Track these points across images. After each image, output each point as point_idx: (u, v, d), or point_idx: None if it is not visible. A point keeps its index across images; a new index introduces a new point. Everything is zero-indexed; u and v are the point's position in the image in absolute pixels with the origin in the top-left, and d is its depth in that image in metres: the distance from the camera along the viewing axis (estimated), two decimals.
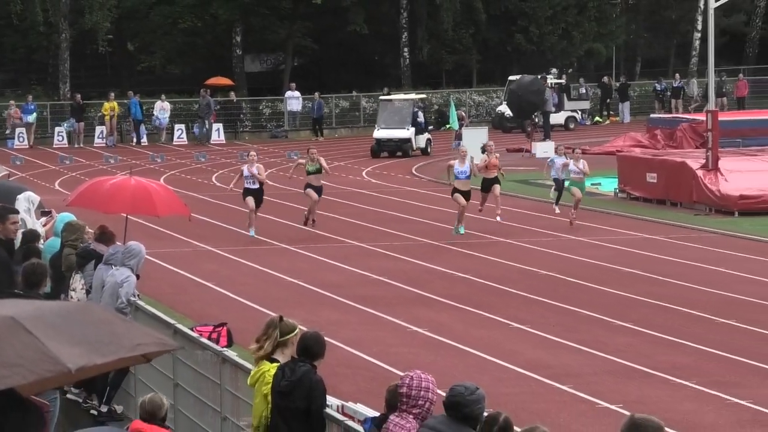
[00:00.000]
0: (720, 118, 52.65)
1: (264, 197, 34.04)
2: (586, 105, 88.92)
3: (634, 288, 34.46)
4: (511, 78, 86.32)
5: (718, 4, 53.58)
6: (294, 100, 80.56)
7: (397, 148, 68.42)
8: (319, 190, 35.82)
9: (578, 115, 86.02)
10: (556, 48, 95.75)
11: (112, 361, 10.15)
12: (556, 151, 39.88)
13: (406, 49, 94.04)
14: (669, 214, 46.58)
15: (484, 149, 41.00)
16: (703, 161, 50.32)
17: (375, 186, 58.37)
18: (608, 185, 54.18)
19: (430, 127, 77.41)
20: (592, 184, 56.44)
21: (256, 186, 33.49)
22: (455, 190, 34.73)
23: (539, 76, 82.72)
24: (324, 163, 36.49)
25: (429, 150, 67.32)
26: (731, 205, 47.91)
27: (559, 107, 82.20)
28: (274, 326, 14.72)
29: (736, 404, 22.66)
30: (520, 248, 43.44)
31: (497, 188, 37.83)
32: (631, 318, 29.92)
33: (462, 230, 34.58)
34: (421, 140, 68.42)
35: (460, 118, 72.38)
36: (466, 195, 33.58)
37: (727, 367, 26.09)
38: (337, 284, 35.46)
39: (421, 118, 71.37)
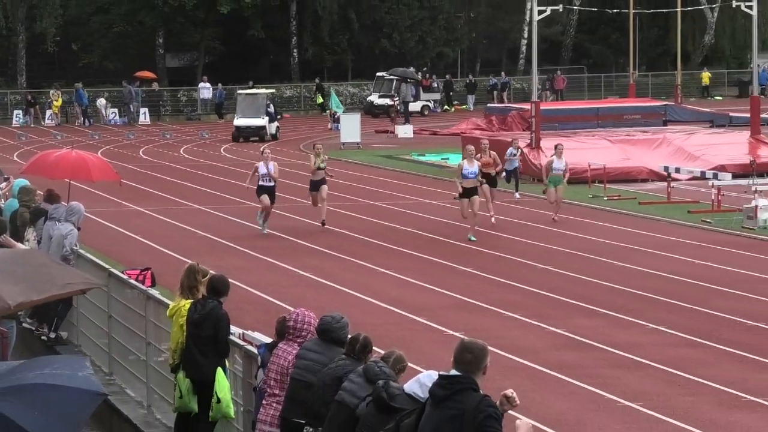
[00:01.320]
0: (541, 107, 52.95)
1: (276, 194, 31.08)
2: (437, 96, 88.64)
3: (509, 246, 33.79)
4: (378, 74, 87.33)
5: (541, 17, 53.58)
6: (205, 90, 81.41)
7: (254, 134, 67.35)
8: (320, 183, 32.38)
9: (431, 104, 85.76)
10: (414, 51, 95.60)
11: (46, 297, 10.74)
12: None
13: (295, 51, 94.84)
14: (501, 183, 43.32)
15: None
16: (528, 141, 49.00)
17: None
18: (454, 159, 50.32)
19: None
20: (441, 158, 57.07)
21: (271, 184, 30.61)
22: (461, 195, 30.19)
23: (411, 70, 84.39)
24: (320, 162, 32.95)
25: (278, 135, 66.80)
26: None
27: (416, 98, 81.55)
28: (191, 271, 14.95)
29: (553, 332, 23.01)
30: (383, 209, 43.15)
31: (487, 188, 33.66)
32: (472, 265, 30.05)
33: (472, 237, 30.33)
34: (272, 127, 67.82)
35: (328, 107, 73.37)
36: (473, 191, 29.71)
37: (547, 303, 26.21)
38: (240, 237, 35.69)
39: (271, 108, 70.49)
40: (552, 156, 33.78)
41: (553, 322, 23.66)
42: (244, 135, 67.50)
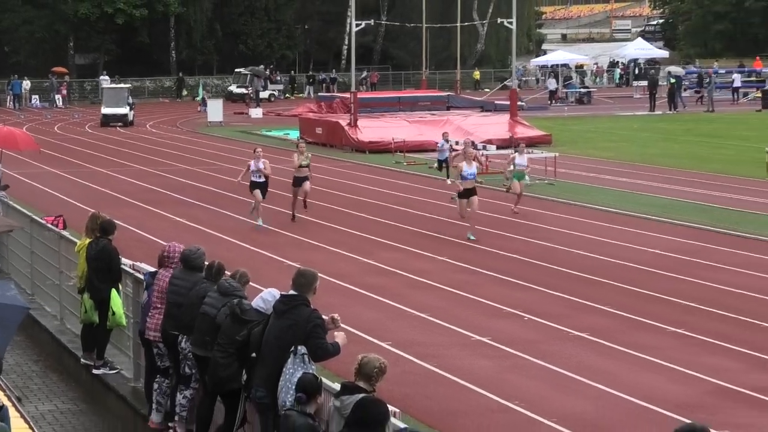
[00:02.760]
0: (358, 96, 52.94)
1: (268, 189, 27.37)
2: (281, 87, 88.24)
3: (336, 200, 32.45)
4: (236, 70, 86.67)
5: (358, 29, 53.46)
6: (105, 81, 78.48)
7: (118, 120, 63.08)
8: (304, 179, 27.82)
9: (276, 93, 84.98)
10: (264, 53, 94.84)
11: None
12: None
13: (173, 52, 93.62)
14: (330, 152, 46.34)
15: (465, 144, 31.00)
16: (348, 121, 49.12)
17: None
18: (293, 135, 52.45)
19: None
20: (284, 133, 55.92)
21: (262, 180, 27.04)
22: (459, 195, 25.14)
23: (261, 67, 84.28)
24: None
25: (133, 122, 63.78)
26: (365, 147, 47.74)
27: (265, 88, 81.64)
28: (93, 217, 15.14)
29: (365, 262, 23.16)
30: (238, 171, 40.99)
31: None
32: (309, 214, 28.86)
33: (472, 236, 24.52)
34: (131, 115, 63.94)
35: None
36: (472, 192, 24.65)
37: (361, 240, 26.03)
38: (131, 192, 35.07)
39: (130, 99, 66.73)
40: (514, 153, 29.35)
41: (365, 255, 23.60)
42: (110, 121, 63.34)
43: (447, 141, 33.92)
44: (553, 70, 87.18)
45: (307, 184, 27.32)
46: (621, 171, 37.29)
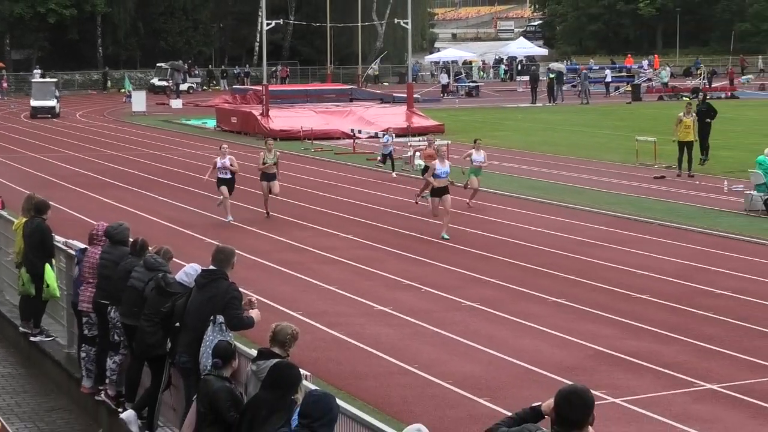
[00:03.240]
0: (269, 89, 52.63)
1: (235, 185, 25.32)
2: (198, 80, 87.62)
3: (251, 183, 28.87)
4: (158, 64, 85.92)
5: (268, 27, 52.93)
6: (38, 75, 75.18)
7: (47, 112, 61.10)
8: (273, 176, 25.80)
9: (194, 86, 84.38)
10: (183, 49, 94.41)
11: None
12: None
13: (100, 48, 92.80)
14: (244, 139, 45.65)
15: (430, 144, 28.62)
16: (261, 111, 49.06)
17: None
18: (210, 124, 53.72)
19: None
20: (201, 122, 55.72)
21: (229, 176, 24.67)
22: (432, 193, 22.64)
23: (180, 62, 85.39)
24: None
25: (60, 113, 61.31)
26: (276, 135, 43.15)
27: (184, 81, 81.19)
28: (28, 198, 15.20)
29: (278, 239, 22.99)
30: (161, 156, 40.82)
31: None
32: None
33: (446, 236, 21.97)
34: (57, 107, 61.63)
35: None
36: (444, 191, 22.16)
37: (275, 221, 25.90)
38: (65, 176, 34.37)
39: (57, 93, 64.70)
40: (471, 150, 26.64)
41: (277, 234, 23.63)
42: (39, 113, 61.22)
43: (391, 135, 32.72)
44: (445, 66, 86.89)
45: (275, 185, 24.97)
46: (507, 157, 37.36)
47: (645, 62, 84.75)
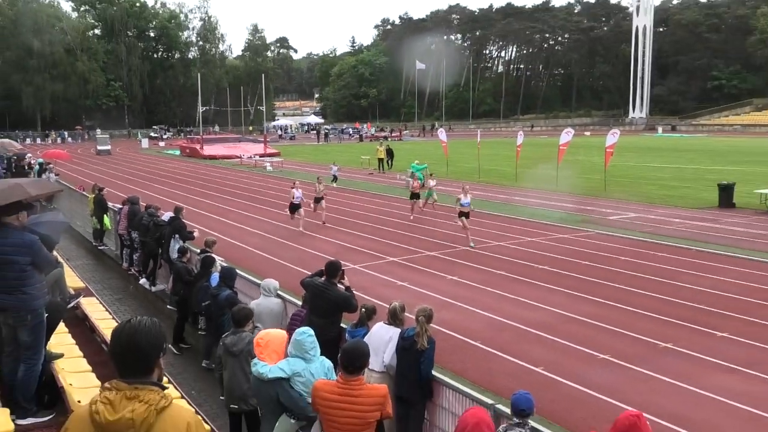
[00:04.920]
0: (204, 136, 64.23)
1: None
2: (171, 134, 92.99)
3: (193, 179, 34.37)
4: (153, 126, 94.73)
5: (202, 110, 59.45)
6: (99, 132, 78.10)
7: (106, 152, 60.84)
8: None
9: (169, 136, 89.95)
10: (164, 120, 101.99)
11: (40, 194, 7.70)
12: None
13: (127, 118, 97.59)
14: (191, 160, 53.56)
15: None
16: (200, 146, 58.45)
17: None
18: (176, 153, 60.56)
19: None
20: (174, 152, 61.19)
21: (298, 202, 22.55)
22: (461, 214, 20.53)
23: (162, 126, 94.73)
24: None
25: (110, 152, 62.46)
26: (206, 157, 54.78)
27: (165, 134, 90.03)
28: (94, 186, 18.72)
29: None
30: (158, 164, 46.44)
31: (420, 201, 26.01)
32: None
33: (473, 244, 20.16)
34: (110, 149, 62.20)
35: None
36: (466, 215, 20.36)
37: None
38: (117, 177, 38.36)
39: (109, 142, 64.79)
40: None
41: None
42: (101, 153, 60.40)
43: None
44: (281, 127, 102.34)
45: (323, 203, 23.73)
46: (307, 168, 44.61)
47: (366, 125, 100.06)
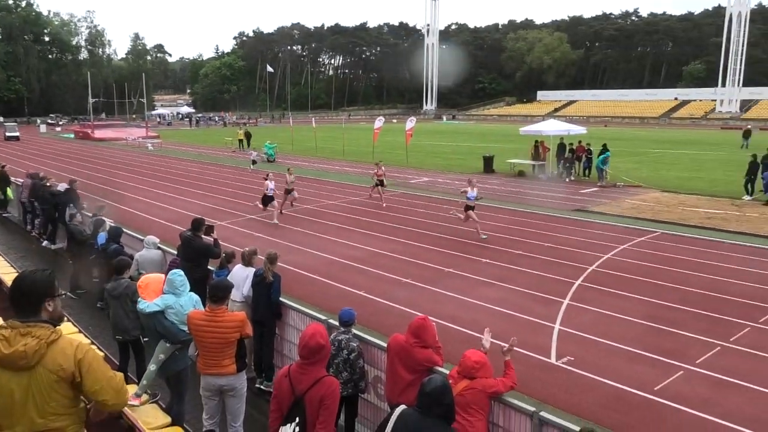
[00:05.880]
0: (94, 122, 59.53)
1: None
2: (66, 120, 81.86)
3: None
4: (50, 114, 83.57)
5: (92, 101, 59.76)
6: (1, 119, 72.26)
7: (15, 138, 50.91)
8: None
9: (65, 122, 79.30)
10: (61, 108, 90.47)
11: None
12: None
13: (26, 107, 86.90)
14: (85, 142, 49.49)
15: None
16: (91, 131, 53.14)
17: None
18: (71, 136, 54.63)
19: None
20: (70, 136, 55.03)
21: (271, 194, 17.27)
22: (467, 207, 15.51)
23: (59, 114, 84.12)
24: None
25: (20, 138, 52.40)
26: (97, 140, 49.39)
27: (60, 121, 78.98)
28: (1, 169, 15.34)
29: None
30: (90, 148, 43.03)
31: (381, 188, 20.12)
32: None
33: (484, 236, 15.28)
34: (19, 136, 52.10)
35: None
36: (472, 208, 15.43)
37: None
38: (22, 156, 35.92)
39: (17, 129, 53.98)
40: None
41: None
42: (9, 139, 50.34)
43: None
44: (160, 115, 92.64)
45: (294, 193, 18.49)
46: (182, 149, 45.99)
47: (229, 114, 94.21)
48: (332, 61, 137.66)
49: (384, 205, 19.34)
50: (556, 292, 11.02)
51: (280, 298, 6.94)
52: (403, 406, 3.37)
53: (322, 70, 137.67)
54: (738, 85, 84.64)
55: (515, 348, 5.12)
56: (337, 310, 6.22)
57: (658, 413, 6.82)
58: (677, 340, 8.88)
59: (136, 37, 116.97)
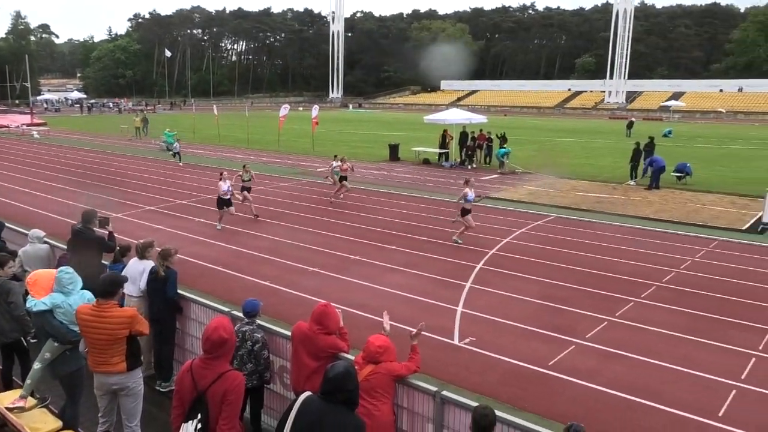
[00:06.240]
0: None
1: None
2: None
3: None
4: None
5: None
6: None
7: None
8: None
9: None
10: None
11: None
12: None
13: None
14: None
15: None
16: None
17: None
18: None
19: None
20: None
21: (228, 197, 14.74)
22: (465, 212, 13.77)
23: None
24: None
25: None
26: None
27: None
28: None
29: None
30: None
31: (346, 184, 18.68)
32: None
33: (459, 240, 13.84)
34: None
35: None
36: (469, 211, 13.94)
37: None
38: None
39: None
40: (337, 162, 19.01)
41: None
42: None
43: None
44: (47, 100, 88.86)
45: (248, 194, 16.08)
46: (76, 137, 39.62)
47: (124, 100, 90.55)
48: (235, 47, 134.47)
49: (332, 200, 18.56)
50: (460, 276, 11.31)
51: (182, 292, 6.75)
52: (306, 393, 3.36)
53: (225, 55, 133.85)
54: (624, 78, 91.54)
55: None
56: (240, 301, 6.15)
57: (551, 386, 7.18)
58: (569, 317, 9.36)
59: (18, 15, 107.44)
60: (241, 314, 5.78)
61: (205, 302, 6.63)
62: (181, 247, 10.17)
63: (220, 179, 14.96)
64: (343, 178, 18.87)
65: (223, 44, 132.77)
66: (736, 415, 6.63)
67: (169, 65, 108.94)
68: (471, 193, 13.91)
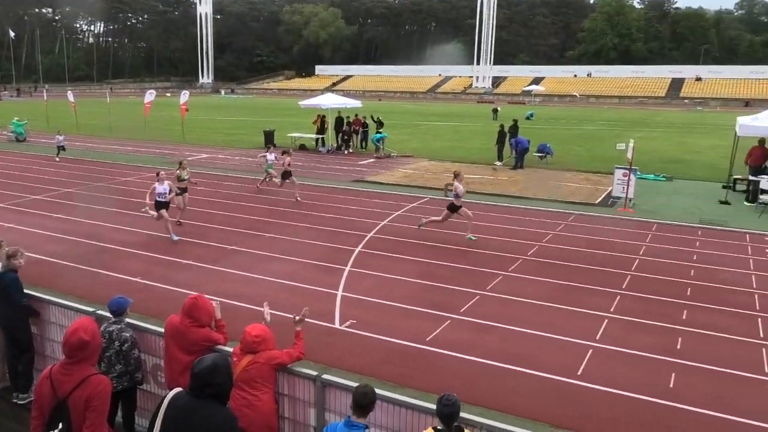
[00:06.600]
0: None
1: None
2: None
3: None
4: None
5: None
6: None
7: None
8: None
9: None
10: None
11: None
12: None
13: None
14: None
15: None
16: None
17: None
18: None
19: None
20: None
21: (165, 200, 12.91)
22: (453, 208, 12.86)
23: None
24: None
25: None
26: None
27: None
28: None
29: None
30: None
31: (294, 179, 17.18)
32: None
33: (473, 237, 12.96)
34: None
35: None
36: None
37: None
38: None
39: None
40: (265, 152, 18.36)
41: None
42: None
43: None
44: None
45: (186, 196, 14.46)
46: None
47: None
48: (92, 28, 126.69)
49: (298, 199, 16.78)
50: (339, 261, 11.41)
51: (37, 294, 6.31)
52: (176, 390, 3.27)
53: (80, 37, 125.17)
54: (489, 63, 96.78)
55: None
56: (107, 299, 5.80)
57: (430, 361, 7.46)
58: (445, 294, 9.76)
59: None
60: (107, 313, 5.53)
61: (65, 303, 6.25)
62: (36, 246, 9.49)
63: (156, 180, 13.03)
64: (288, 173, 17.19)
65: (77, 25, 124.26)
66: (592, 372, 7.21)
67: (15, 48, 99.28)
68: (461, 187, 12.85)
